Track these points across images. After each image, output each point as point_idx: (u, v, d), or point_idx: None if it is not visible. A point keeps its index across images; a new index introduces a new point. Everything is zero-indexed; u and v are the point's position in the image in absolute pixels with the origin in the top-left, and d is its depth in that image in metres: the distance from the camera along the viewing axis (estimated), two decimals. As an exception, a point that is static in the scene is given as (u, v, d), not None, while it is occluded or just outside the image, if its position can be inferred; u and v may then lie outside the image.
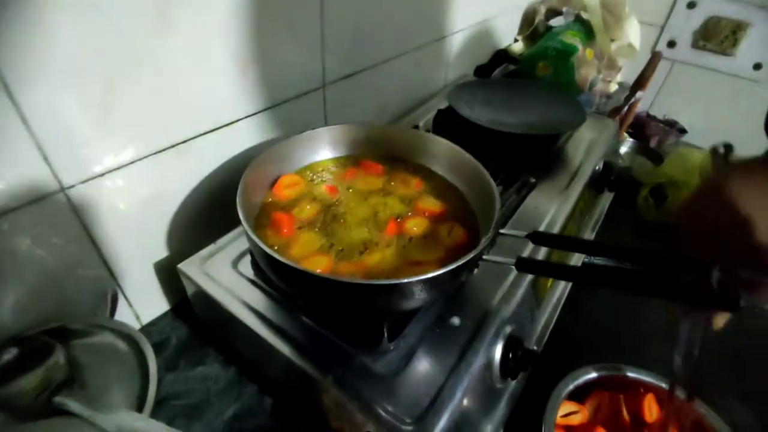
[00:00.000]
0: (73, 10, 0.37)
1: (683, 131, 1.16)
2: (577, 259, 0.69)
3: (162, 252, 0.56)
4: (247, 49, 0.52)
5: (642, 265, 0.35)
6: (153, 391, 0.41)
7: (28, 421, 0.39)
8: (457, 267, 0.37)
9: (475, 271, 0.42)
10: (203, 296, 0.50)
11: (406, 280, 0.36)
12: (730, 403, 0.49)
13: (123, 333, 0.45)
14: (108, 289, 0.50)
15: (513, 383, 0.51)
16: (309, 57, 0.62)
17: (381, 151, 0.61)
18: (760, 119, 0.41)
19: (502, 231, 0.44)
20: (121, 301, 0.53)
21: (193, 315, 0.58)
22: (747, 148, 0.97)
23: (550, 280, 0.61)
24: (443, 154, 0.58)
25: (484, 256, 0.41)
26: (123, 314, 0.54)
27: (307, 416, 0.49)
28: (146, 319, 0.58)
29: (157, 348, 0.55)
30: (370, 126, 0.60)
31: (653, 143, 1.11)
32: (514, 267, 0.39)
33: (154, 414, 0.44)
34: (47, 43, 0.36)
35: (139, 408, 0.41)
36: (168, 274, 0.56)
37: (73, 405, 0.39)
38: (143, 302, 0.56)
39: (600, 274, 0.35)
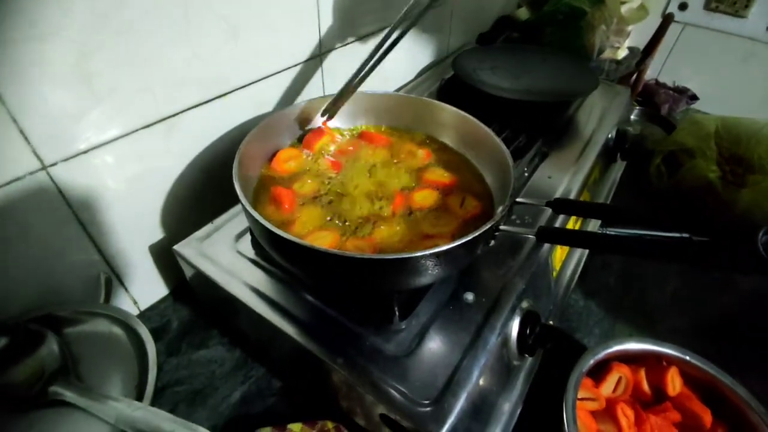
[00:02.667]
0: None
1: (694, 98, 1.11)
2: (593, 227, 0.67)
3: (157, 233, 0.53)
4: (237, 11, 0.48)
5: (675, 232, 0.32)
6: (153, 378, 0.39)
7: (22, 413, 0.37)
8: (473, 238, 0.35)
9: (492, 243, 0.39)
10: (202, 278, 0.47)
11: (419, 254, 0.33)
12: (756, 373, 0.48)
13: (118, 319, 0.43)
14: (101, 274, 0.47)
15: (530, 358, 0.49)
16: (305, 22, 0.58)
17: (385, 121, 0.58)
18: None
19: (519, 200, 0.41)
20: (118, 287, 0.51)
21: (195, 297, 0.55)
22: (759, 112, 0.93)
23: (566, 251, 0.58)
24: (451, 122, 0.54)
25: (501, 227, 0.38)
26: (120, 300, 0.52)
27: (318, 398, 0.47)
28: (145, 304, 0.56)
29: (158, 332, 0.53)
30: (373, 94, 0.56)
31: (663, 111, 1.07)
32: (534, 237, 0.36)
33: (156, 401, 0.42)
34: (10, 6, 0.33)
35: (139, 396, 0.39)
36: (165, 257, 0.54)
37: (69, 395, 0.37)
38: (141, 286, 0.54)
39: (632, 242, 0.32)
